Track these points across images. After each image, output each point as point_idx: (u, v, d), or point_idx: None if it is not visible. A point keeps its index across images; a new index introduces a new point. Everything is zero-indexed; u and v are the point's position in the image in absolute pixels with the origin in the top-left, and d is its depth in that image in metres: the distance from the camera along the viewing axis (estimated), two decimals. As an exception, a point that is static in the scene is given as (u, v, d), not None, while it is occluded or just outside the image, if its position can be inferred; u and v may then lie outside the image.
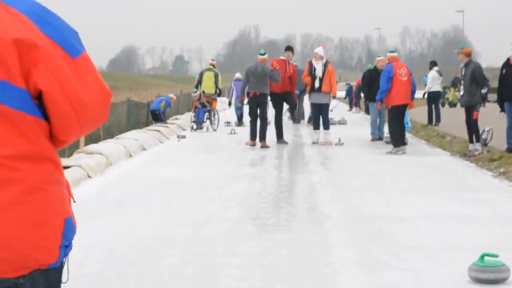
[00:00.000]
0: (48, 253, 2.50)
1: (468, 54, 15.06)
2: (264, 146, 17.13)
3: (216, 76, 24.45)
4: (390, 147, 16.41)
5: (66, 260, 2.64)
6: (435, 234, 7.85)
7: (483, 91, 14.99)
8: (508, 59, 15.30)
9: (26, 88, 2.37)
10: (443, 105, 36.27)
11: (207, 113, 22.88)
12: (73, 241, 2.61)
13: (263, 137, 17.30)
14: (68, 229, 2.54)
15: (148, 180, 11.83)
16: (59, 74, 2.38)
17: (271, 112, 18.19)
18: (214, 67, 25.17)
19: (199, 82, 24.19)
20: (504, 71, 15.33)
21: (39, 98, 2.42)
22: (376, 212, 9.02)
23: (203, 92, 23.17)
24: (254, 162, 14.39)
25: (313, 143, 17.95)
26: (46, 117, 2.45)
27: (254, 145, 17.33)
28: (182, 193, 10.54)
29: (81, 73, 2.44)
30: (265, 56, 17.80)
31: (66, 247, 2.56)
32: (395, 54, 16.87)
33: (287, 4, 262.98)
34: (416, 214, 8.93)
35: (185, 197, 10.16)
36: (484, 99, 15.53)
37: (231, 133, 21.07)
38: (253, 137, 17.51)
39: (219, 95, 25.01)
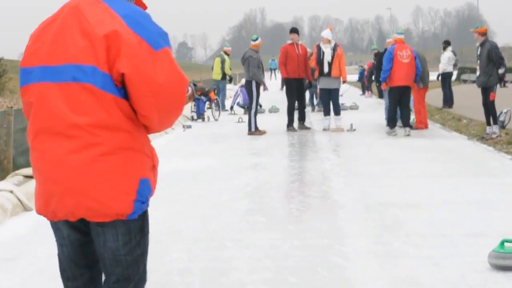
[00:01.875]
0: (124, 204, 3.26)
1: (484, 33, 14.79)
2: (251, 134, 17.19)
3: (222, 62, 24.70)
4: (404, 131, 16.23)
5: (146, 215, 3.42)
6: (453, 221, 7.62)
7: (500, 71, 14.64)
8: None
9: (109, 73, 3.16)
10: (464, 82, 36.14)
11: (207, 103, 22.54)
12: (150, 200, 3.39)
13: (248, 126, 17.41)
14: (143, 188, 3.31)
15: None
16: (136, 60, 3.14)
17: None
18: (226, 54, 25.19)
19: (212, 68, 24.29)
20: None
21: (123, 82, 3.19)
22: (391, 200, 8.78)
23: (194, 85, 22.76)
24: (263, 151, 14.13)
25: (324, 129, 17.67)
26: (126, 97, 3.22)
27: (258, 134, 17.24)
28: (189, 184, 10.31)
29: (160, 62, 3.18)
30: (257, 42, 17.69)
31: (142, 203, 3.32)
32: (401, 36, 16.94)
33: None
34: (433, 201, 8.69)
35: (192, 189, 9.92)
36: (501, 79, 15.19)
37: (239, 122, 20.77)
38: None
39: (230, 80, 24.93)
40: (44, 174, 3.33)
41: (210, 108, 22.64)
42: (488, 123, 14.86)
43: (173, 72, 3.22)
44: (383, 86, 17.04)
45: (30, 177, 10.28)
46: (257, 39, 18.12)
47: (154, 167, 3.42)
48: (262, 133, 17.19)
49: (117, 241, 3.36)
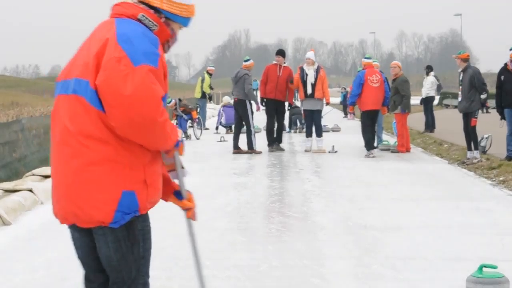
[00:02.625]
0: (103, 214, 3.44)
1: (466, 59, 14.92)
2: (235, 152, 17.35)
3: (202, 80, 25.69)
4: (387, 154, 16.32)
5: (133, 224, 3.56)
6: (432, 244, 7.63)
7: (482, 97, 14.74)
8: (506, 65, 15.02)
9: (95, 89, 3.40)
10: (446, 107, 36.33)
11: (189, 121, 22.53)
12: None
13: (234, 145, 17.54)
14: (126, 200, 3.45)
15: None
16: (109, 73, 3.33)
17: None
18: (208, 73, 25.77)
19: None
20: (502, 77, 15.05)
21: None
22: (371, 222, 8.78)
23: (180, 100, 22.89)
24: (244, 171, 14.11)
25: (306, 151, 17.68)
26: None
27: (238, 153, 17.39)
28: (169, 202, 10.22)
29: (134, 77, 3.31)
30: (248, 63, 17.77)
31: (125, 214, 3.47)
32: (370, 60, 17.30)
33: (278, 8, 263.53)
34: (412, 224, 8.70)
35: (173, 207, 9.81)
36: (483, 105, 15.30)
37: (220, 141, 20.77)
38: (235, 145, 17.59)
39: (210, 98, 25.27)
40: (52, 179, 3.66)
41: (191, 126, 22.61)
42: (469, 148, 14.92)
43: (143, 88, 3.32)
44: (350, 109, 17.33)
45: (10, 191, 10.22)
46: (248, 60, 18.16)
47: (145, 182, 3.54)
48: (258, 152, 17.30)
49: (108, 247, 3.58)
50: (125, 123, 3.35)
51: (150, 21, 3.57)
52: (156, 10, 3.63)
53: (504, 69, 15.05)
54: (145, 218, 3.70)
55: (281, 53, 18.47)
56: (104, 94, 3.35)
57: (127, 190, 3.46)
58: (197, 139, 22.04)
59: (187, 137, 21.95)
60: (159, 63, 3.46)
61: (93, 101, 3.42)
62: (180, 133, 3.69)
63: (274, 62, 18.12)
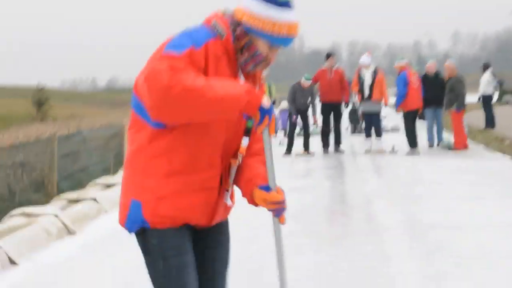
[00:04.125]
0: (120, 215, 3.42)
1: None
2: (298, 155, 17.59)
3: (269, 87, 25.93)
4: (447, 152, 16.23)
5: (145, 236, 3.37)
6: (498, 242, 7.53)
7: None
8: None
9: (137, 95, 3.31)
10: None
11: None
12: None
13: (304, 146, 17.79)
14: (133, 209, 3.33)
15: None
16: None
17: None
18: (265, 78, 26.35)
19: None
20: None
21: None
22: (436, 222, 8.68)
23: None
24: (305, 173, 14.08)
25: (366, 151, 17.59)
26: (147, 117, 3.28)
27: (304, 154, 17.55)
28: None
29: (155, 61, 3.16)
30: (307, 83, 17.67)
31: (133, 222, 3.35)
32: (404, 61, 17.68)
33: (331, 12, 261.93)
34: (478, 223, 8.58)
35: (235, 210, 9.85)
36: None
37: (280, 144, 20.76)
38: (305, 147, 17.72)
39: (274, 103, 25.76)
40: None
41: None
42: None
43: (154, 72, 3.09)
44: (398, 110, 17.46)
45: (74, 201, 10.35)
46: (308, 79, 18.08)
47: (155, 194, 3.33)
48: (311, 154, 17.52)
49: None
50: (151, 107, 3.13)
51: (219, 28, 3.38)
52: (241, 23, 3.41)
53: None
54: (163, 234, 3.37)
55: (330, 55, 18.42)
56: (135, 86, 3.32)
57: (135, 199, 3.34)
58: None
59: None
60: (185, 53, 3.20)
61: (133, 103, 3.37)
62: (265, 99, 3.25)
63: (324, 66, 18.09)
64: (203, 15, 3.53)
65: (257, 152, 3.67)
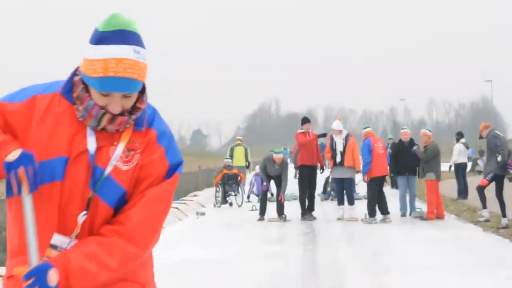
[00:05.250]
0: None
1: (486, 127, 16.10)
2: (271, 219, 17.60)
3: (246, 150, 26.70)
4: (420, 222, 16.21)
5: None
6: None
7: (498, 159, 15.12)
8: None
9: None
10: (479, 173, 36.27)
11: (234, 185, 22.74)
12: None
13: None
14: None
15: (167, 259, 11.47)
16: None
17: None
18: (242, 142, 27.43)
19: (231, 156, 25.85)
20: None
21: None
22: (406, 292, 8.64)
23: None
24: (277, 240, 14.03)
25: (338, 219, 17.59)
26: None
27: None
28: (201, 273, 10.19)
29: None
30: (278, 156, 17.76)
31: None
32: (369, 129, 18.00)
33: (308, 76, 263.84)
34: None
35: (205, 278, 9.81)
36: (503, 168, 15.49)
37: (252, 210, 20.73)
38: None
39: (247, 167, 26.08)
40: None
41: (235, 195, 22.81)
42: (504, 215, 14.91)
43: None
44: (365, 178, 17.44)
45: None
46: (278, 153, 18.15)
47: (6, 277, 2.89)
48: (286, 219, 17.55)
49: None
50: None
51: (68, 78, 2.90)
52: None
53: None
54: None
55: (308, 120, 18.53)
56: None
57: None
58: (239, 206, 22.31)
59: (230, 204, 22.65)
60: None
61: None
62: (12, 153, 2.70)
63: (302, 130, 18.16)
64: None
65: (111, 225, 2.86)
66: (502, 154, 15.29)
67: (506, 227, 14.76)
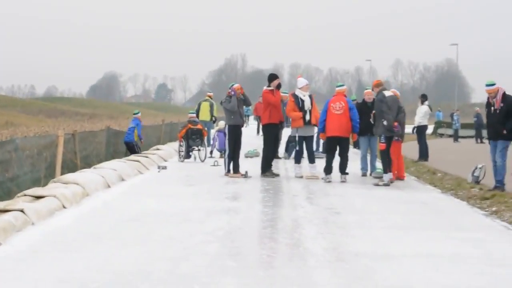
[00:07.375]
0: None
1: (378, 85, 16.99)
2: (231, 176, 17.66)
3: (211, 105, 27.23)
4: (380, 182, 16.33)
5: None
6: (423, 273, 7.60)
7: (384, 123, 16.30)
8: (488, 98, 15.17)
9: None
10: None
11: (198, 140, 22.87)
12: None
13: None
14: None
15: (126, 212, 11.49)
16: None
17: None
18: (211, 98, 27.78)
19: (197, 111, 26.43)
20: (486, 110, 15.25)
21: None
22: (362, 250, 8.74)
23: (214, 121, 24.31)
24: (237, 196, 14.06)
25: (296, 177, 17.61)
26: None
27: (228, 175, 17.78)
28: (160, 226, 10.21)
29: None
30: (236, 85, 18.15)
31: None
32: (341, 88, 17.80)
33: (275, 33, 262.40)
34: (404, 253, 8.66)
35: (164, 231, 9.82)
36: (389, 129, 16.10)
37: (214, 165, 20.77)
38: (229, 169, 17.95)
39: (214, 121, 26.88)
40: None
41: (198, 150, 22.92)
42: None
43: None
44: (321, 136, 17.78)
45: (1, 211, 10.17)
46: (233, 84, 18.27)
47: None
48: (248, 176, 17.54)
49: None
50: None
51: None
52: None
53: (487, 103, 15.23)
54: None
55: (276, 76, 18.42)
56: None
57: None
58: (202, 161, 22.58)
59: (195, 158, 23.00)
60: None
61: None
62: None
63: (270, 88, 18.04)
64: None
65: None
66: (387, 118, 16.18)
67: (388, 184, 16.10)
